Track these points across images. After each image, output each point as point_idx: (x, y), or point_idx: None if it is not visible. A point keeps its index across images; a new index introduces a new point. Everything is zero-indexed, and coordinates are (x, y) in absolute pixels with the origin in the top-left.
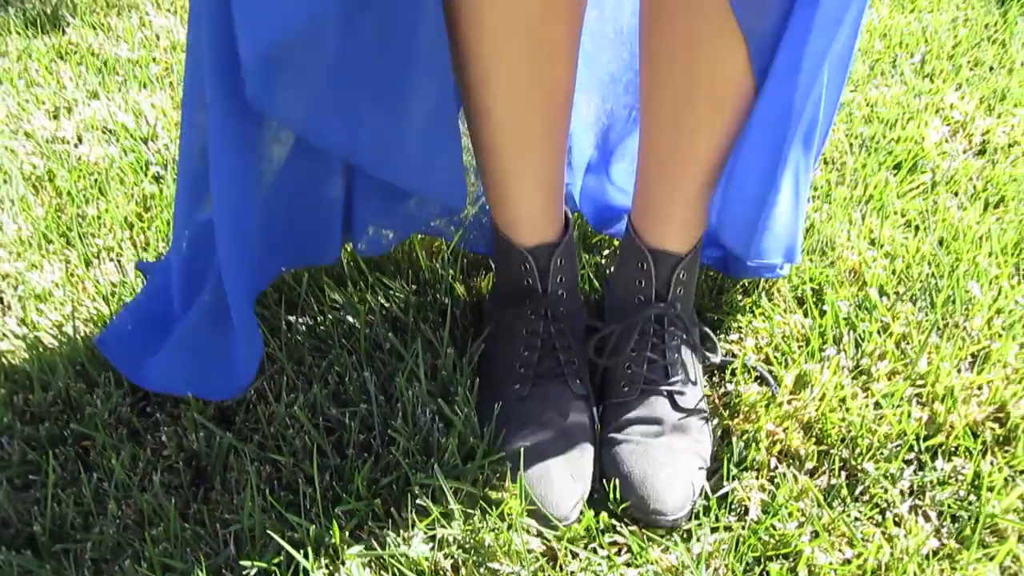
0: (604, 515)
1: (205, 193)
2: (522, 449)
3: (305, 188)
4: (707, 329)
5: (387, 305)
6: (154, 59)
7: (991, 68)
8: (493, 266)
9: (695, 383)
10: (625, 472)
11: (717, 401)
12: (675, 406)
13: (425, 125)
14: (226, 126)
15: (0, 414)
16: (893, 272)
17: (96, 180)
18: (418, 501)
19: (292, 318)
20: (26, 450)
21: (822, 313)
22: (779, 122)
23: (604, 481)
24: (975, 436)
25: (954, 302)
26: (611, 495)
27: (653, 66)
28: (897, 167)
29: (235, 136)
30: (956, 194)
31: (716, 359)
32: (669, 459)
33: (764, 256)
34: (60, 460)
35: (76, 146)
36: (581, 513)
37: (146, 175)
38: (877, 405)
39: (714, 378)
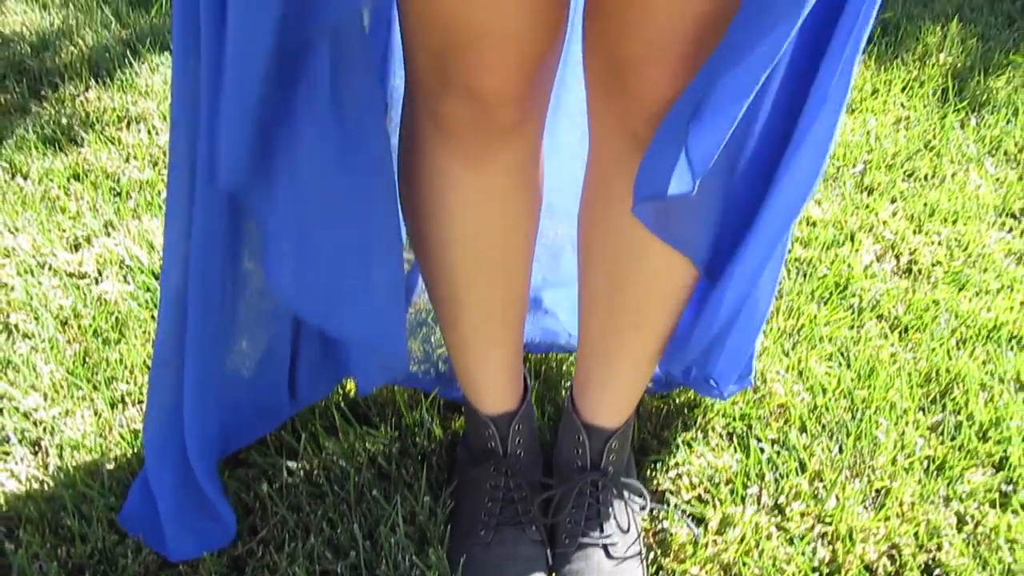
0: None
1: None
2: None
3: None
4: (640, 486)
5: (372, 449)
6: (163, 179)
7: (926, 177)
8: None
9: (627, 531)
10: None
11: (652, 539)
12: (608, 556)
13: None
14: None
15: (48, 567)
16: (814, 408)
17: (117, 320)
18: None
19: (292, 464)
20: None
21: (748, 453)
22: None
23: None
24: (870, 572)
25: (863, 438)
26: None
27: (589, 268)
28: (830, 293)
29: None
30: (880, 318)
31: (645, 512)
32: None
33: (723, 379)
34: None
35: (97, 282)
36: None
37: None
38: (789, 542)
39: (653, 512)
